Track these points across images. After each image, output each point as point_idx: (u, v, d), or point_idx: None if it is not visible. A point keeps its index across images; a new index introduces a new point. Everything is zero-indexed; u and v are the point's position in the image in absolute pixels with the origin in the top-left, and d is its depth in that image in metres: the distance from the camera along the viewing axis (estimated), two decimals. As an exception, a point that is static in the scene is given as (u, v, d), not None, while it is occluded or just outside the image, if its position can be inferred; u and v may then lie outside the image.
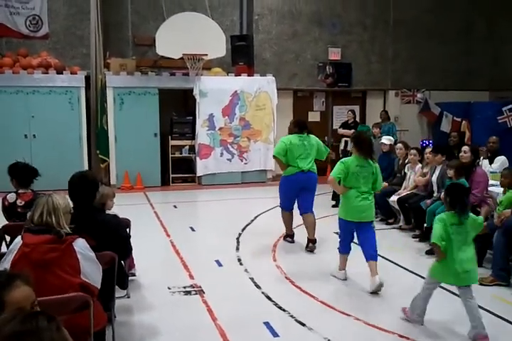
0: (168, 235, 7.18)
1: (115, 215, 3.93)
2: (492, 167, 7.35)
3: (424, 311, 4.19)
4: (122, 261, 4.20)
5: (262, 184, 11.28)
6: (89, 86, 10.57)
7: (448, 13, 13.27)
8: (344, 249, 5.36)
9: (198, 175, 11.25)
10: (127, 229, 4.65)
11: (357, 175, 5.14)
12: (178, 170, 11.28)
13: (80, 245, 3.01)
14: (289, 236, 6.80)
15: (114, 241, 3.64)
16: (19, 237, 2.92)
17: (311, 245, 6.38)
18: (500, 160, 7.44)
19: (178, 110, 11.56)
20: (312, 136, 6.49)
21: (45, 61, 10.49)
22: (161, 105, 10.88)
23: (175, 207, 9.23)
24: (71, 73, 10.51)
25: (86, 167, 10.46)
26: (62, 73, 10.43)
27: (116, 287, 3.99)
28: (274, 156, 6.50)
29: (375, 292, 4.94)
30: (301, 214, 6.48)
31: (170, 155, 11.12)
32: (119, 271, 3.83)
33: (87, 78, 10.60)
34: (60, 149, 10.29)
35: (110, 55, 10.97)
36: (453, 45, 13.39)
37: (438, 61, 13.34)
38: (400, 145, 8.00)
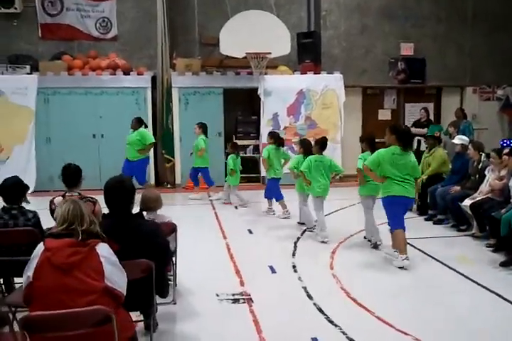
0: (225, 237, 7.04)
1: (153, 222, 3.80)
2: None
3: None
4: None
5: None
6: (156, 86, 10.66)
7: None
8: None
9: (262, 175, 11.08)
10: (173, 234, 4.54)
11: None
12: (242, 170, 11.12)
13: (103, 249, 2.88)
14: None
15: (149, 248, 3.49)
16: (41, 243, 2.83)
17: None
18: None
19: (243, 109, 11.44)
20: None
21: (113, 62, 10.68)
22: (225, 105, 10.81)
23: (236, 207, 9.11)
24: (138, 74, 10.64)
25: (152, 167, 10.55)
26: (129, 74, 10.58)
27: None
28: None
29: None
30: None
31: (234, 155, 10.99)
32: (158, 279, 3.69)
33: (154, 79, 10.69)
34: (127, 149, 10.43)
35: (177, 55, 11.02)
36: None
37: (521, 54, 12.40)
38: (469, 146, 7.35)
